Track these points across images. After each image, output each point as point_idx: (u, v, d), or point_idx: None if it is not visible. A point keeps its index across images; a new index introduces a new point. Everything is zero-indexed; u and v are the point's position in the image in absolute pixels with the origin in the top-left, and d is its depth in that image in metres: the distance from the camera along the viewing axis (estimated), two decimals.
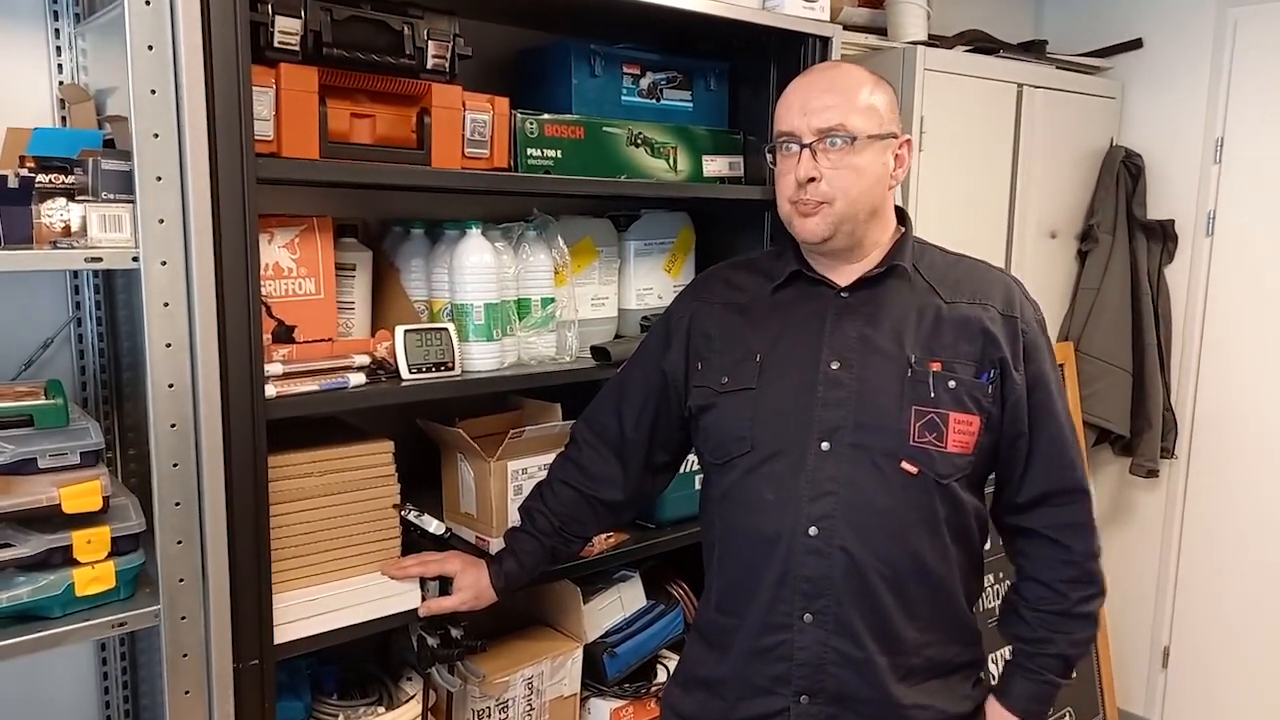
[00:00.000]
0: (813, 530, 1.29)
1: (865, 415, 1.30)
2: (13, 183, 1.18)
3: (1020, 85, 2.65)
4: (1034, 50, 2.77)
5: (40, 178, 1.29)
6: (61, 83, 1.48)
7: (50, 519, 1.21)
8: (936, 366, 1.31)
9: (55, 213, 1.27)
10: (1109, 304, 2.87)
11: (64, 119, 1.49)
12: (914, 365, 1.31)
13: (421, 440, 1.80)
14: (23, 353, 1.51)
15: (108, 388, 1.58)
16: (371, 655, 1.76)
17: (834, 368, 1.33)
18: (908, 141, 1.37)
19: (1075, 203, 2.90)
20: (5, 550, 1.19)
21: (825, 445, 1.30)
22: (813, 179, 1.30)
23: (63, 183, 1.30)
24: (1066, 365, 2.89)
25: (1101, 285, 2.89)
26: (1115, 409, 2.89)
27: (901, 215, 1.44)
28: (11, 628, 1.19)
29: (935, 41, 2.52)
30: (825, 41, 1.94)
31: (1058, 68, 2.78)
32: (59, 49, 1.48)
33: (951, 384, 1.31)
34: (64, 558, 1.23)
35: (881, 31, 2.53)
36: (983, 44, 2.65)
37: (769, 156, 1.38)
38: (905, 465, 1.29)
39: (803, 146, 1.31)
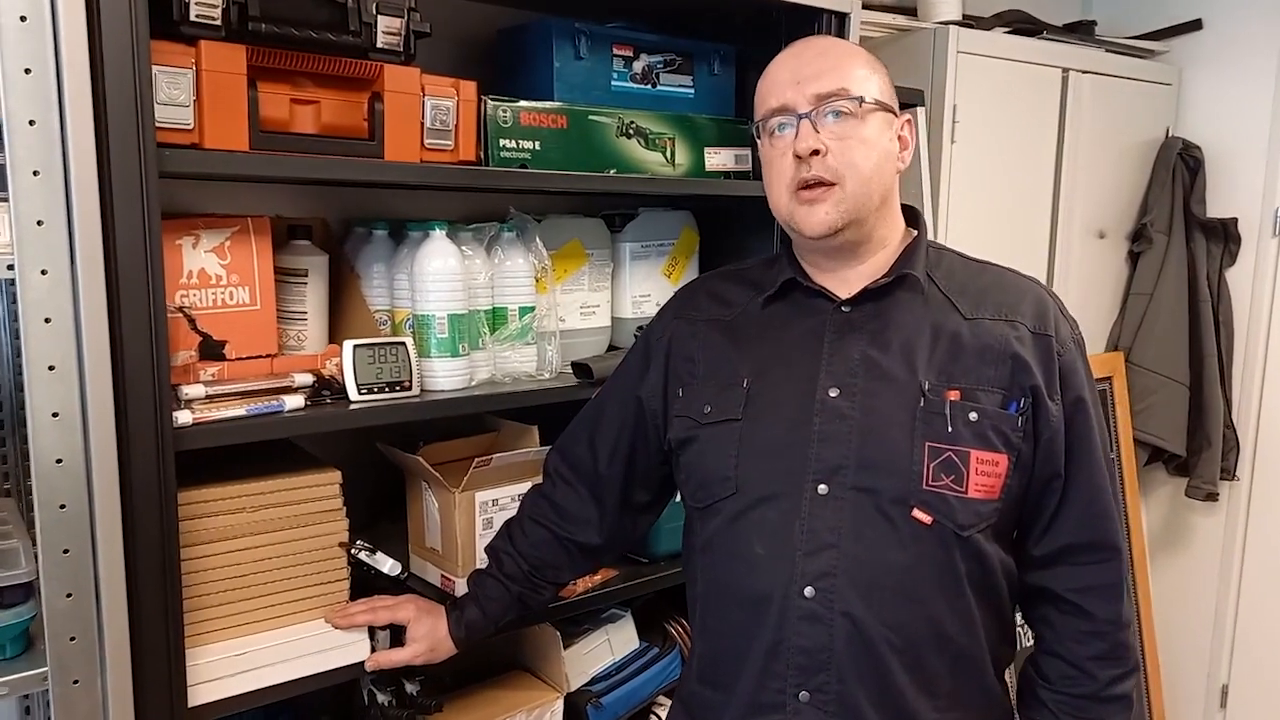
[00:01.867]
0: (809, 591, 1.09)
1: (870, 453, 1.09)
2: None
3: (1066, 70, 2.41)
4: (1081, 31, 2.52)
5: None
6: None
7: None
8: (954, 395, 1.10)
9: None
10: (1164, 310, 2.61)
11: None
12: (927, 394, 1.10)
13: (387, 466, 1.62)
14: None
15: (24, 409, 1.41)
16: (331, 706, 1.58)
17: (833, 396, 1.12)
18: (909, 121, 1.17)
19: (1127, 200, 2.65)
20: None
21: (823, 488, 1.10)
22: (816, 151, 1.09)
23: None
24: (1116, 377, 2.64)
25: (1155, 290, 2.63)
26: (1170, 426, 2.64)
27: (912, 215, 1.23)
28: None
29: (970, 22, 2.29)
30: (842, 18, 1.72)
31: (1107, 51, 2.53)
32: None
33: (973, 416, 1.10)
34: None
35: (909, 11, 2.30)
36: (1024, 25, 2.41)
37: (756, 143, 1.18)
38: (918, 513, 1.08)
39: (800, 117, 1.11)
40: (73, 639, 1.10)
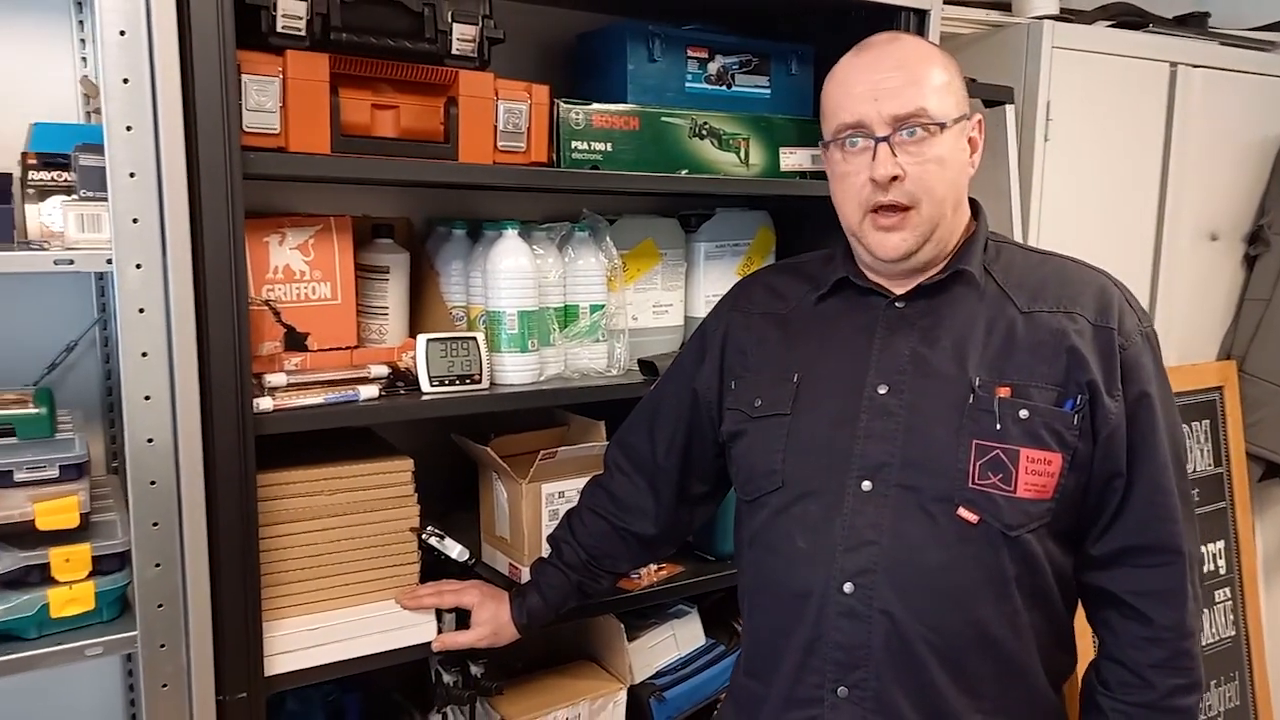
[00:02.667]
0: (848, 587, 1.08)
1: (915, 451, 1.08)
2: None
3: (1174, 65, 2.29)
4: (1193, 24, 2.40)
5: (41, 175, 1.24)
6: (85, 77, 1.43)
7: (26, 535, 1.15)
8: (1004, 392, 1.08)
9: (55, 212, 1.22)
10: None
11: (89, 114, 1.44)
12: (977, 391, 1.08)
13: (464, 456, 1.68)
14: (51, 356, 1.47)
15: None
16: (402, 685, 1.65)
17: (881, 393, 1.11)
18: (979, 121, 1.14)
19: (1241, 200, 2.50)
20: None
21: (866, 485, 1.09)
22: (896, 178, 1.08)
23: (64, 181, 1.25)
24: (1227, 387, 2.50)
25: (1273, 296, 2.48)
26: None
27: (973, 207, 1.20)
28: None
29: (1069, 16, 2.21)
30: (922, 16, 1.70)
31: (1221, 44, 2.40)
32: (83, 41, 1.43)
33: (1023, 414, 1.07)
34: (41, 576, 1.16)
35: (1003, 6, 2.24)
36: (1130, 18, 2.31)
37: (823, 153, 1.18)
38: (963, 512, 1.06)
39: (878, 140, 1.08)
40: (160, 606, 1.19)
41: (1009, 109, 2.05)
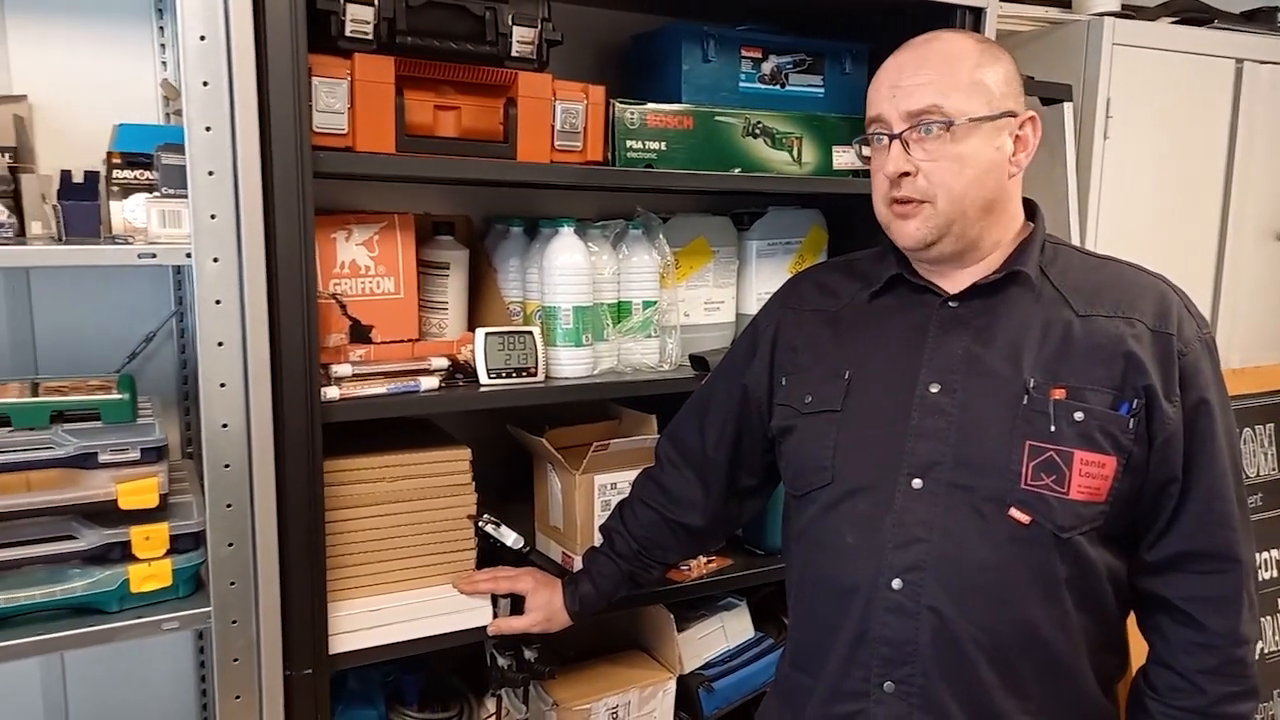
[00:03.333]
0: (896, 583, 1.10)
1: (967, 450, 1.09)
2: (78, 178, 1.19)
3: (1240, 61, 2.26)
4: (1260, 20, 2.35)
5: (124, 174, 1.31)
6: (165, 80, 1.50)
7: (109, 514, 1.21)
8: (1059, 394, 1.08)
9: (138, 209, 1.28)
10: None
11: (168, 115, 1.51)
12: (1031, 392, 1.09)
13: (521, 447, 1.73)
14: (132, 345, 1.55)
15: None
16: (459, 667, 1.70)
17: (933, 391, 1.12)
18: (1031, 119, 1.13)
19: None
20: (62, 542, 1.20)
21: (917, 483, 1.10)
22: (906, 174, 1.10)
23: (145, 179, 1.31)
24: None
25: None
26: None
27: (1029, 208, 1.21)
28: (69, 620, 1.20)
29: (1130, 13, 2.18)
30: (978, 13, 1.70)
31: None
32: (163, 46, 1.51)
33: (1078, 416, 1.07)
34: (123, 553, 1.22)
35: (1063, 4, 2.22)
36: (1195, 14, 2.27)
37: (857, 149, 1.19)
38: (1015, 513, 1.07)
39: (892, 137, 1.11)
40: (232, 584, 1.25)
41: (1067, 107, 2.03)
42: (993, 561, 1.07)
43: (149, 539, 1.23)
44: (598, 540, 1.49)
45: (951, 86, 1.09)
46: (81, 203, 1.19)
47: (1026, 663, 1.08)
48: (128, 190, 1.30)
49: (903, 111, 1.10)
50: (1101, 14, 2.11)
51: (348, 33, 1.31)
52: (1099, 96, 2.07)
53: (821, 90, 1.79)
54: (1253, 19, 2.35)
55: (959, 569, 1.07)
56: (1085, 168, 2.10)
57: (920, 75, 1.10)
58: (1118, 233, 2.11)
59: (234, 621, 1.25)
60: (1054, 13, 2.17)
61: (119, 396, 1.26)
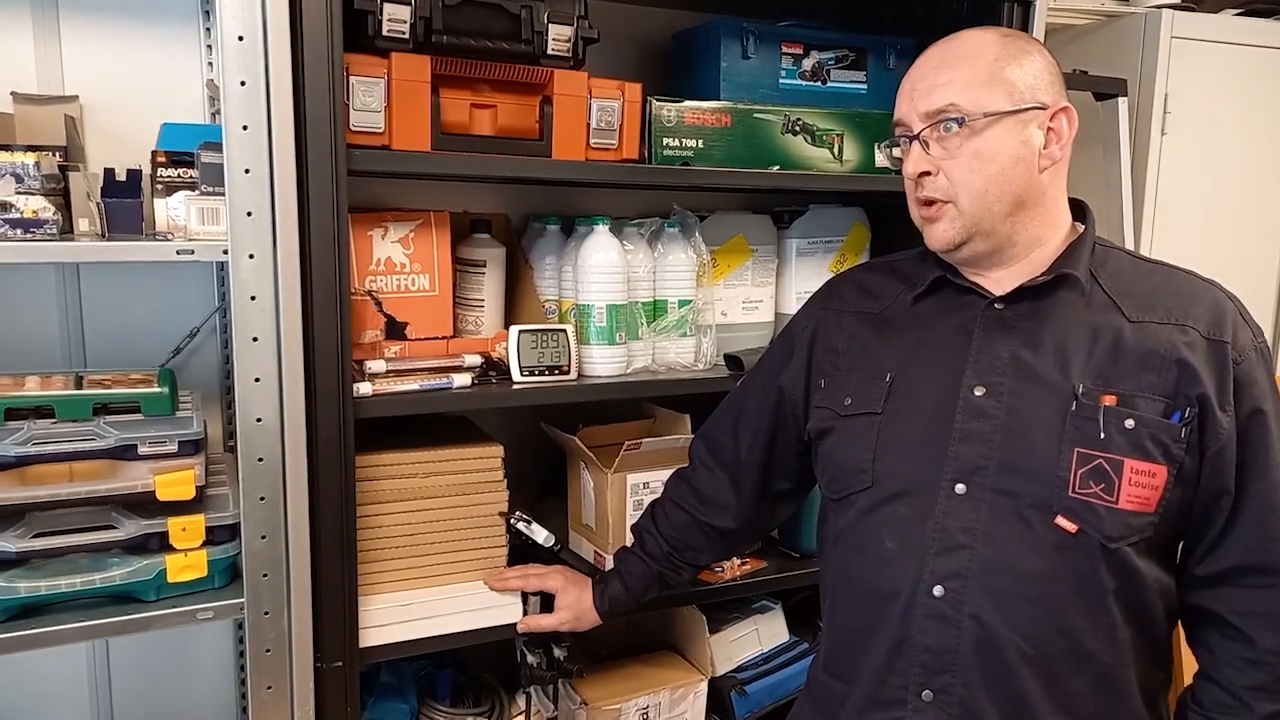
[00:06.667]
0: (938, 590, 1.07)
1: (1013, 455, 1.06)
2: (120, 176, 1.21)
3: None
4: None
5: (168, 172, 1.34)
6: (210, 80, 1.53)
7: (148, 504, 1.24)
8: (1110, 400, 1.05)
9: (180, 206, 1.31)
10: None
11: (213, 115, 1.54)
12: (1080, 398, 1.05)
13: (553, 445, 1.73)
14: (177, 340, 1.58)
15: None
16: (491, 664, 1.71)
17: (977, 394, 1.10)
18: (1064, 110, 1.10)
19: None
20: (102, 532, 1.23)
21: (960, 488, 1.08)
22: (926, 173, 1.09)
23: (188, 177, 1.34)
24: None
25: None
26: None
27: (1080, 209, 1.17)
28: (108, 607, 1.23)
29: (1190, 5, 2.11)
30: (1027, 6, 1.65)
31: None
32: (209, 47, 1.53)
33: (1129, 424, 1.04)
34: (160, 543, 1.25)
35: None
36: (1259, 4, 2.19)
37: (887, 153, 1.18)
38: (1061, 521, 1.04)
39: (912, 138, 1.10)
40: (265, 575, 1.27)
41: (1122, 102, 1.97)
42: (1038, 570, 1.04)
43: (185, 530, 1.26)
44: (629, 540, 1.49)
45: (969, 83, 1.07)
46: (124, 200, 1.22)
47: (1071, 675, 1.05)
48: (171, 188, 1.32)
49: (921, 112, 1.09)
50: (1159, 6, 2.04)
51: (385, 32, 1.32)
52: (1156, 91, 2.01)
53: (864, 86, 1.76)
54: None
55: (1003, 577, 1.05)
56: (1141, 165, 2.03)
57: (939, 76, 1.09)
58: (1174, 233, 2.05)
59: (266, 613, 1.27)
60: (1110, 4, 2.11)
61: (158, 390, 1.29)
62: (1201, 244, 2.05)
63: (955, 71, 1.08)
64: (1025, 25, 1.65)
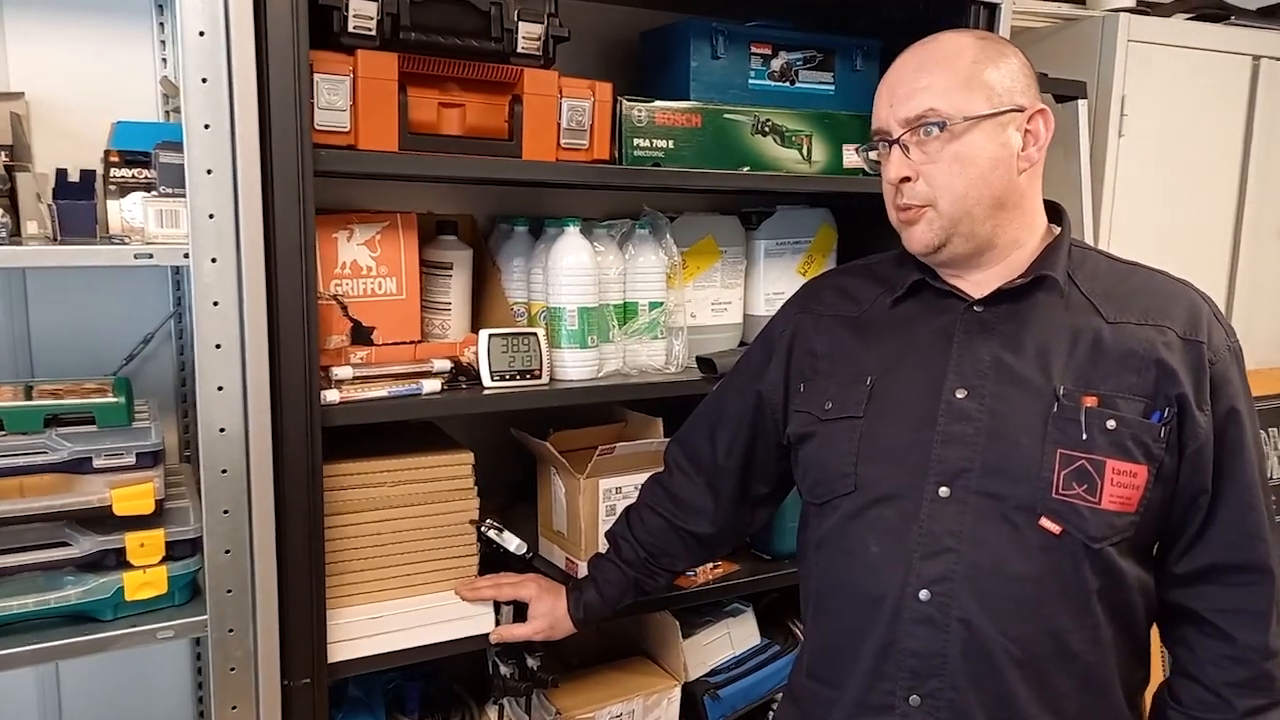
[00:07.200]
0: (924, 594, 1.07)
1: (996, 457, 1.06)
2: (74, 177, 1.16)
3: (1257, 58, 2.22)
4: (1277, 16, 2.31)
5: (122, 172, 1.29)
6: (165, 77, 1.47)
7: (104, 520, 1.19)
8: (1091, 402, 1.05)
9: (135, 208, 1.26)
10: None
11: (167, 113, 1.49)
12: (1061, 399, 1.06)
13: (525, 451, 1.70)
14: (129, 347, 1.52)
15: None
16: (462, 675, 1.67)
17: (959, 397, 1.09)
18: (1041, 112, 1.10)
19: None
20: (56, 549, 1.17)
21: (944, 491, 1.08)
22: (906, 178, 1.09)
23: (144, 177, 1.29)
24: None
25: None
26: None
27: (1055, 211, 1.18)
28: (63, 628, 1.18)
29: (1145, 8, 2.15)
30: (992, 9, 1.66)
31: None
32: (163, 42, 1.48)
33: (1110, 424, 1.04)
34: (117, 560, 1.20)
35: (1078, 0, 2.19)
36: (1211, 10, 2.24)
37: (864, 157, 1.17)
38: (1046, 522, 1.04)
39: (891, 143, 1.10)
40: (229, 591, 1.22)
41: (1081, 104, 2.00)
42: (1025, 572, 1.04)
43: (144, 545, 1.21)
44: (603, 546, 1.46)
45: (948, 87, 1.07)
46: (77, 202, 1.16)
47: (1058, 676, 1.06)
48: (125, 189, 1.27)
49: (901, 118, 1.09)
50: (1116, 10, 2.07)
51: (350, 28, 1.28)
52: (1114, 94, 2.04)
53: (832, 87, 1.75)
54: (1270, 15, 2.32)
55: (990, 580, 1.05)
56: (1100, 165, 2.07)
57: (918, 80, 1.09)
58: (1132, 231, 2.08)
59: (231, 630, 1.23)
60: (1067, 8, 2.14)
61: (114, 400, 1.24)
62: (1155, 244, 2.09)
63: (934, 76, 1.08)
64: (991, 27, 1.66)
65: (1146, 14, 2.11)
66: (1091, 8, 2.15)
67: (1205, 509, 1.08)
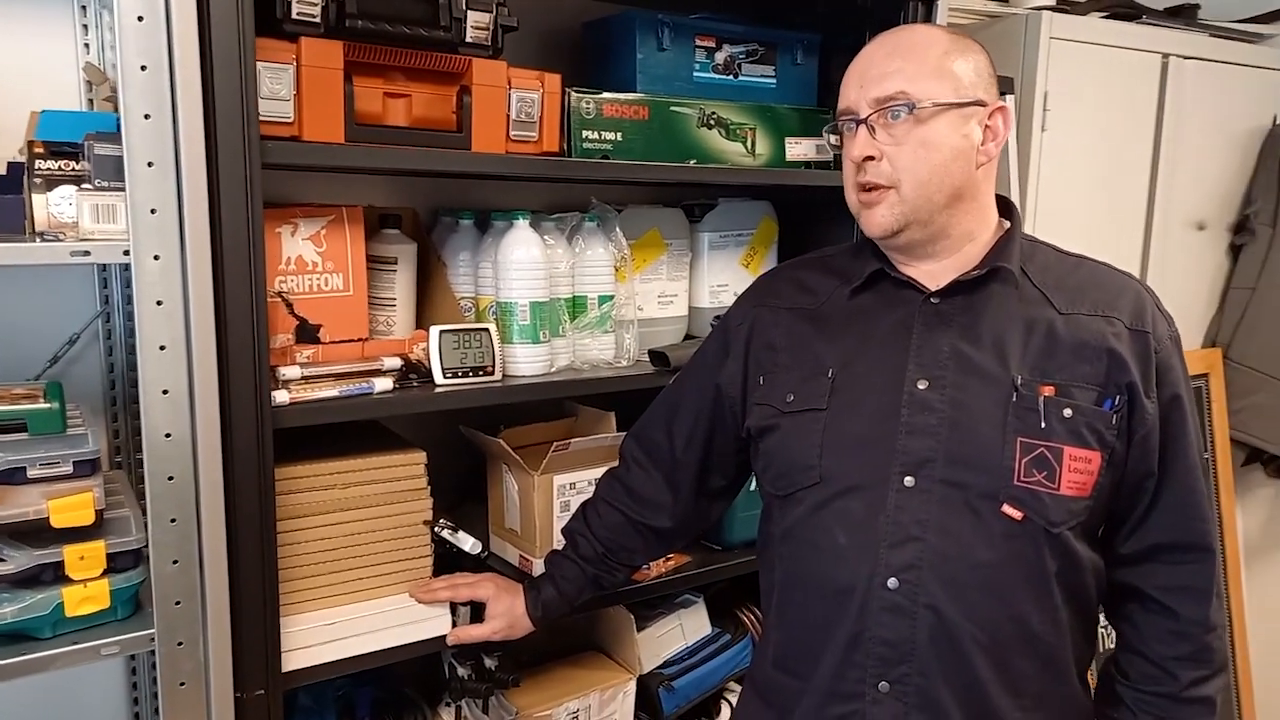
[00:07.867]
0: (892, 582, 1.09)
1: (959, 447, 1.09)
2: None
3: (1166, 56, 2.32)
4: (1183, 16, 2.43)
5: (48, 165, 1.21)
6: (89, 64, 1.40)
7: (40, 532, 1.12)
8: (1049, 391, 1.09)
9: (64, 202, 1.19)
10: (1268, 306, 2.50)
11: (90, 101, 1.41)
12: (1020, 389, 1.09)
13: (473, 449, 1.67)
14: (52, 349, 1.44)
15: (135, 387, 1.50)
16: (413, 679, 1.64)
17: (921, 388, 1.12)
18: (1001, 109, 1.14)
19: (1229, 190, 2.54)
20: None
21: (909, 481, 1.10)
22: (870, 158, 1.10)
23: (72, 170, 1.21)
24: (1213, 375, 2.55)
25: (1259, 284, 2.53)
26: (1272, 426, 2.53)
27: (1006, 206, 1.21)
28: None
29: (1065, 7, 2.22)
30: (929, 5, 1.70)
31: (1211, 35, 2.43)
32: (85, 27, 1.40)
33: (1067, 413, 1.08)
34: (55, 575, 1.13)
35: None
36: (1123, 9, 2.33)
37: (828, 138, 1.19)
38: (1008, 509, 1.07)
39: (859, 122, 1.11)
40: (178, 603, 1.17)
41: (1009, 99, 2.06)
42: (989, 559, 1.07)
43: (84, 558, 1.14)
44: (559, 543, 1.45)
45: (918, 73, 1.09)
46: (4, 196, 1.09)
47: (1021, 659, 1.09)
48: (52, 182, 1.20)
49: (870, 98, 1.11)
50: (1038, 8, 2.14)
51: (294, 15, 1.23)
52: (1037, 89, 2.11)
53: (774, 81, 1.77)
54: (1176, 15, 2.42)
55: (957, 567, 1.07)
56: (1024, 159, 2.13)
57: (889, 64, 1.11)
58: (1054, 222, 2.15)
59: (180, 643, 1.18)
60: (993, 6, 2.20)
61: (48, 406, 1.17)
62: (1076, 235, 2.16)
63: (906, 61, 1.10)
64: (928, 23, 1.69)
65: (1067, 12, 2.19)
66: (1015, 5, 2.22)
67: (1151, 492, 1.12)
